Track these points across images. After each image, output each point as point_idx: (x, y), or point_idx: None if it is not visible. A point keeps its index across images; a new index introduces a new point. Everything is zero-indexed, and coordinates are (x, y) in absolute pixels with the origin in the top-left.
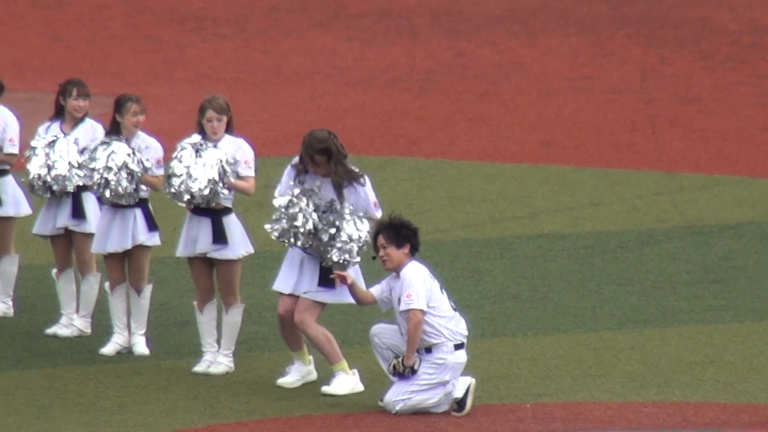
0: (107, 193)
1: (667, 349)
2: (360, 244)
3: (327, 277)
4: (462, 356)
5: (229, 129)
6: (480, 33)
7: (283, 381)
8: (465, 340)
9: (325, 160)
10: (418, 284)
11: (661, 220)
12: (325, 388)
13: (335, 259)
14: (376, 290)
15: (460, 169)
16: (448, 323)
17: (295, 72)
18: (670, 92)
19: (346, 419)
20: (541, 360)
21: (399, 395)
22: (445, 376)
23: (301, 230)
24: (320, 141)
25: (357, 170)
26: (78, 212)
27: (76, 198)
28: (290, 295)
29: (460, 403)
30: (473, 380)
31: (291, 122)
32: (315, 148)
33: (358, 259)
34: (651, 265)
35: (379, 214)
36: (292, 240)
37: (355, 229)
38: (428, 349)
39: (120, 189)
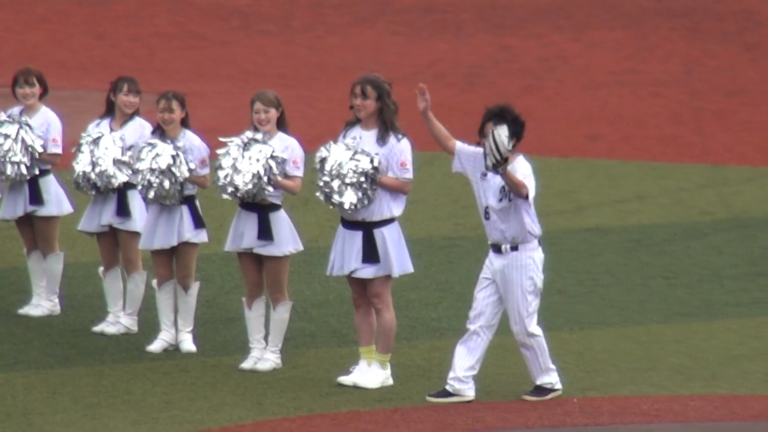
0: (151, 195)
1: (714, 342)
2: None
3: (370, 253)
4: (542, 254)
5: (282, 126)
6: (525, 27)
7: (361, 381)
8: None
9: (375, 95)
10: (531, 177)
11: (706, 213)
12: (357, 380)
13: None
14: (461, 143)
15: None
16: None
17: (339, 68)
18: (714, 85)
19: (394, 415)
20: (587, 354)
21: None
22: (538, 279)
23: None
24: (375, 76)
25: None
26: (123, 210)
27: (122, 195)
28: (356, 278)
29: (539, 390)
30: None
31: (335, 118)
32: (369, 78)
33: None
34: (697, 258)
35: (406, 175)
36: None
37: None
38: (514, 247)
39: (163, 191)
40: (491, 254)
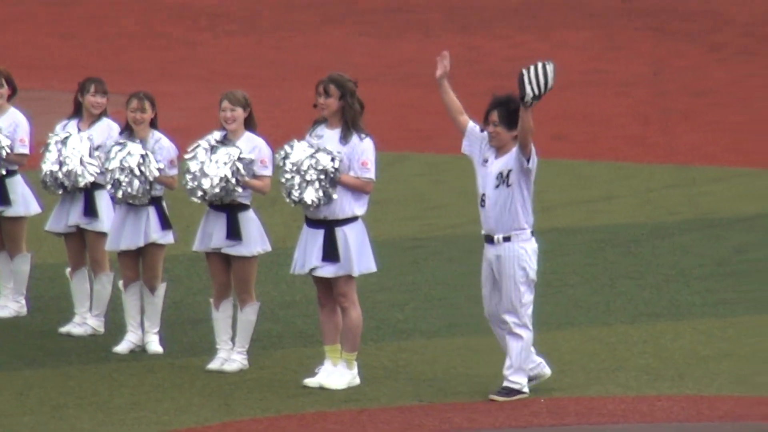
0: (119, 194)
1: (681, 343)
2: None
3: (330, 251)
4: (535, 243)
5: (250, 126)
6: (492, 27)
7: (327, 382)
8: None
9: (338, 93)
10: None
11: (673, 213)
12: (323, 382)
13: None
14: (472, 124)
15: (472, 164)
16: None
17: (307, 68)
18: (682, 85)
19: (361, 416)
20: (554, 354)
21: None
22: (531, 270)
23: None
24: (339, 75)
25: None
26: (90, 210)
27: (89, 196)
28: (320, 277)
29: (507, 391)
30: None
31: (303, 119)
32: (332, 77)
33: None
34: (664, 258)
35: (366, 174)
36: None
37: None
38: (507, 238)
39: (131, 190)
40: (485, 245)
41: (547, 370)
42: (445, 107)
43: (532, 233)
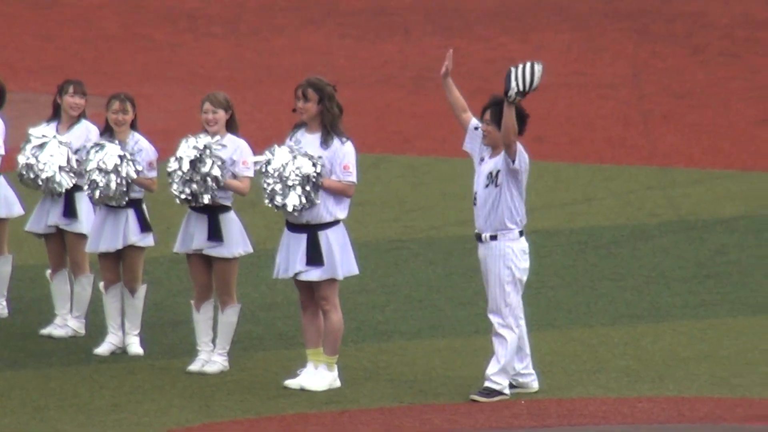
0: (96, 194)
1: (661, 345)
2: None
3: (314, 255)
4: (524, 242)
5: (232, 128)
6: (472, 29)
7: (307, 384)
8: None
9: (316, 98)
10: (526, 168)
11: (654, 215)
12: (304, 383)
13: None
14: (474, 120)
15: (454, 166)
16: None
17: (287, 70)
18: (662, 87)
19: (342, 417)
20: (535, 356)
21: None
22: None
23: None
24: (318, 79)
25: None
26: (70, 211)
27: (69, 197)
28: (303, 281)
29: (487, 391)
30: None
31: (284, 121)
32: (310, 81)
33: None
34: (644, 260)
35: (347, 178)
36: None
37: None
38: (494, 237)
39: (109, 191)
40: (477, 244)
41: (535, 385)
42: (450, 105)
43: (521, 233)
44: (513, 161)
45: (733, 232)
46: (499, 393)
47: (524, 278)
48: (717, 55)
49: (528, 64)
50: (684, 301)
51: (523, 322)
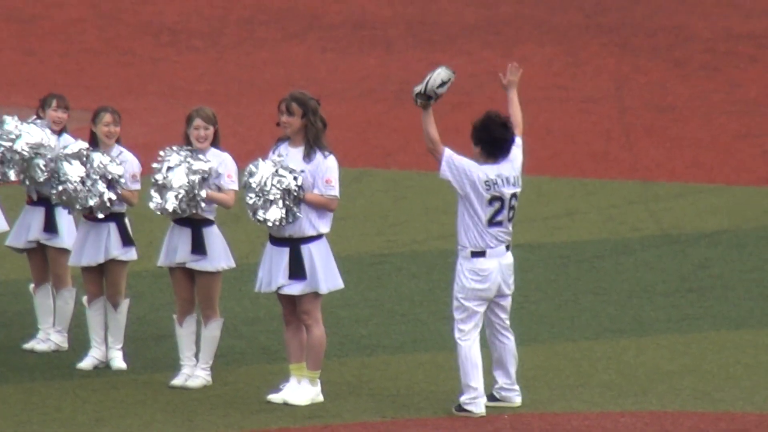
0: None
1: (644, 359)
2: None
3: (296, 269)
4: (479, 263)
5: (216, 142)
6: (454, 43)
7: (290, 398)
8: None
9: (300, 112)
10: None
11: (636, 229)
12: (287, 398)
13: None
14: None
15: (436, 180)
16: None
17: (269, 84)
18: (644, 101)
19: (324, 431)
20: (518, 370)
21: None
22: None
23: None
24: (301, 93)
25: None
26: (50, 226)
27: (49, 211)
28: (285, 295)
29: (458, 406)
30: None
31: (265, 134)
32: (294, 95)
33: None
34: (627, 274)
35: (329, 192)
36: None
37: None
38: (456, 253)
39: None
40: None
41: (518, 400)
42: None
43: (475, 253)
44: (439, 170)
45: (716, 246)
46: (462, 409)
47: (472, 298)
48: (698, 68)
49: (439, 69)
50: (667, 315)
51: (505, 339)
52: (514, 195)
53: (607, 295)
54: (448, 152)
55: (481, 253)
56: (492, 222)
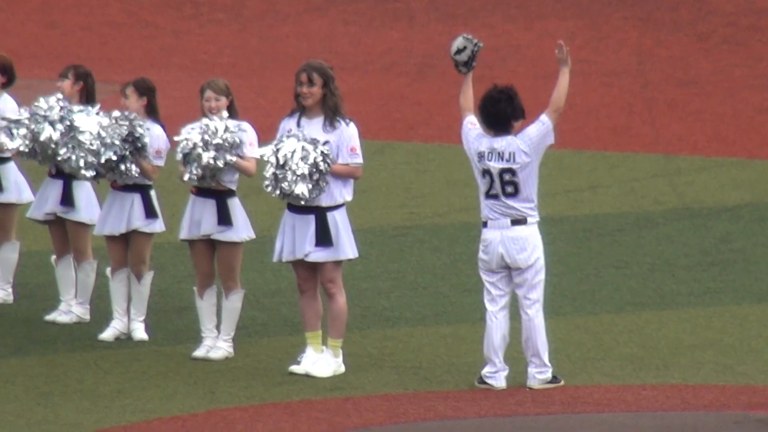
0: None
1: (666, 332)
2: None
3: (324, 236)
4: (484, 234)
5: (233, 114)
6: (477, 17)
7: (313, 370)
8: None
9: (321, 82)
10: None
11: (658, 203)
12: (309, 369)
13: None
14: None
15: (458, 153)
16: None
17: (291, 57)
18: (667, 75)
19: (346, 404)
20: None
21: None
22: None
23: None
24: (320, 63)
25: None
26: (67, 199)
27: (67, 185)
28: (301, 262)
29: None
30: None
31: (288, 108)
32: (313, 66)
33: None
34: (649, 247)
35: (355, 160)
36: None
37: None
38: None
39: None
40: None
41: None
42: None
43: (483, 223)
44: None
45: (737, 220)
46: (482, 380)
47: (482, 268)
48: (721, 42)
49: (458, 37)
50: (689, 289)
51: (524, 315)
52: (507, 170)
53: (629, 268)
54: (465, 121)
55: (484, 223)
56: (488, 195)
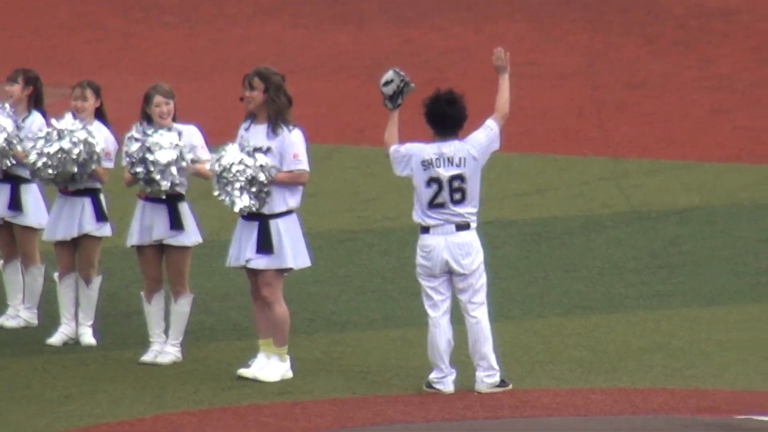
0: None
1: (615, 335)
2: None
3: (265, 243)
4: (423, 239)
5: (174, 117)
6: (427, 19)
7: (260, 374)
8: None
9: (262, 87)
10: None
11: (607, 206)
12: (257, 374)
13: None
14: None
15: None
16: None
17: (241, 60)
18: (616, 77)
19: (295, 408)
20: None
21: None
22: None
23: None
24: (265, 68)
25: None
26: (15, 204)
27: (15, 189)
28: (253, 269)
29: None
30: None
31: (237, 111)
32: (257, 70)
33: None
34: (598, 251)
35: (297, 167)
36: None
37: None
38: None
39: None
40: None
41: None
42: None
43: (421, 229)
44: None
45: (686, 223)
46: (431, 385)
47: (422, 274)
48: (671, 45)
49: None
50: (637, 292)
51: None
52: (458, 176)
53: (578, 271)
54: (392, 149)
55: (425, 229)
56: (432, 204)
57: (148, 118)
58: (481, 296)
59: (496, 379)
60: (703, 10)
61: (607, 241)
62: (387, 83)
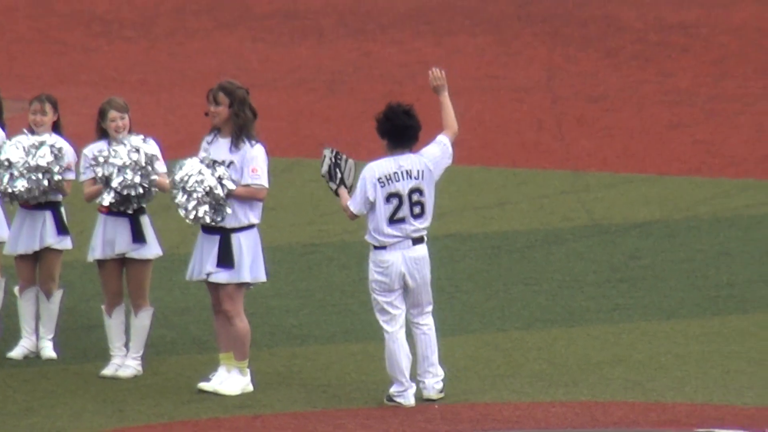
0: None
1: (575, 349)
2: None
3: (225, 257)
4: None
5: (129, 130)
6: (386, 33)
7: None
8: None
9: (227, 101)
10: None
11: (567, 219)
12: (217, 387)
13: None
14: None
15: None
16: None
17: (201, 74)
18: (576, 91)
19: (255, 422)
20: (448, 361)
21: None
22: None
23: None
24: (229, 82)
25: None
26: None
27: None
28: (214, 283)
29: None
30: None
31: (197, 124)
32: (222, 85)
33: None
34: (558, 264)
35: (255, 181)
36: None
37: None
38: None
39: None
40: None
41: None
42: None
43: (376, 247)
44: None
45: (646, 236)
46: (390, 399)
47: (377, 290)
48: (630, 58)
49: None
50: (598, 306)
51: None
52: (417, 190)
53: (538, 285)
54: (352, 207)
55: (382, 247)
56: (393, 219)
57: (103, 133)
58: (431, 305)
59: (442, 383)
60: (663, 23)
61: (568, 255)
62: (321, 163)
